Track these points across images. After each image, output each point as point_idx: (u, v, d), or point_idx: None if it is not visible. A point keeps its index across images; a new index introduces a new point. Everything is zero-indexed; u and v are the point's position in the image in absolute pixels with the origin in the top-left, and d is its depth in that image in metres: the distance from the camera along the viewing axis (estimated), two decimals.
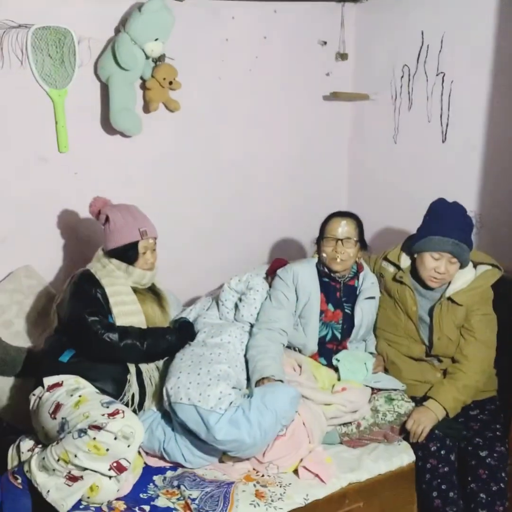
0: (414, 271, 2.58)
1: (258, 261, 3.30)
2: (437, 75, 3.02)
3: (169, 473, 2.25)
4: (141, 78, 2.89)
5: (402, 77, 3.17)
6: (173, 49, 2.87)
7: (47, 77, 2.74)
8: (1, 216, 2.73)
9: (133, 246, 2.41)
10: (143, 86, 2.91)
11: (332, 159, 3.52)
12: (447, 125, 3.03)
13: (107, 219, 2.41)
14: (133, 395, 2.32)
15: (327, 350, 2.61)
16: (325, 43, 3.33)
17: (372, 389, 2.52)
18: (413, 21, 3.10)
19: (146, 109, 2.95)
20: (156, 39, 2.78)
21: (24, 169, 2.77)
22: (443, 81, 3.00)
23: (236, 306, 2.68)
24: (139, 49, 2.76)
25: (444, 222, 2.46)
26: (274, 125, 3.32)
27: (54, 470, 2.03)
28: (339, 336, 2.61)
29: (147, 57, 2.82)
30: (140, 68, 2.82)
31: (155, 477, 2.23)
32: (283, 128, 3.34)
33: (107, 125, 2.88)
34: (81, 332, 2.30)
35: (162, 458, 2.29)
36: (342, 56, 3.33)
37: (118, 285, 2.40)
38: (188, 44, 2.98)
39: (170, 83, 2.89)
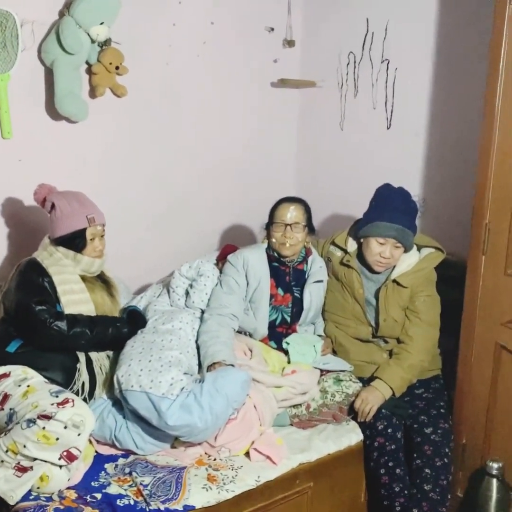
0: (361, 255, 2.63)
1: (209, 247, 3.31)
2: (382, 62, 3.06)
3: (121, 461, 2.24)
4: (87, 62, 2.83)
5: (348, 64, 3.20)
6: (119, 34, 2.82)
7: None
8: None
9: (81, 233, 2.37)
10: (89, 71, 2.86)
11: (281, 145, 3.54)
12: (391, 112, 3.08)
13: (52, 206, 2.37)
14: (83, 384, 2.30)
15: (277, 334, 2.64)
16: (273, 29, 3.34)
17: (321, 370, 2.57)
18: (358, 8, 3.12)
19: (93, 94, 2.89)
20: (102, 23, 2.73)
21: None
22: (387, 68, 3.05)
23: (187, 292, 2.68)
24: (84, 33, 2.71)
25: (389, 208, 2.51)
26: (223, 111, 3.31)
27: (2, 461, 2.00)
28: (288, 319, 2.65)
29: (92, 41, 2.77)
30: (86, 52, 2.77)
31: (106, 465, 2.21)
32: (232, 114, 3.34)
33: (52, 111, 2.82)
34: (29, 322, 2.26)
35: (113, 446, 2.28)
36: (289, 43, 3.34)
37: (66, 274, 2.37)
38: (134, 29, 2.93)
39: (117, 68, 2.85)
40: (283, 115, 3.49)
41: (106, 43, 2.83)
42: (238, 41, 3.27)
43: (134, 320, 2.52)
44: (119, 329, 2.41)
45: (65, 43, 2.67)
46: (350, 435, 2.45)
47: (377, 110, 3.13)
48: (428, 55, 2.90)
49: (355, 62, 3.17)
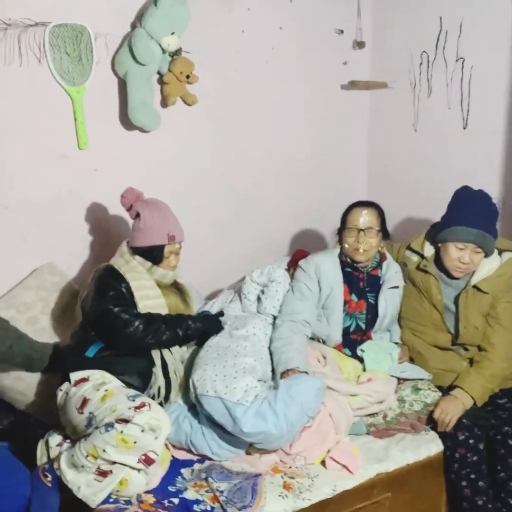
0: (438, 260, 2.56)
1: (278, 253, 3.29)
2: (456, 60, 2.98)
3: (196, 466, 2.26)
4: (158, 72, 2.88)
5: (420, 64, 3.14)
6: (189, 42, 2.86)
7: (65, 74, 2.75)
8: (23, 213, 2.75)
9: (159, 248, 2.41)
10: (161, 81, 2.91)
11: (351, 148, 3.49)
12: (468, 111, 2.99)
13: (137, 215, 2.40)
14: (159, 388, 2.34)
15: (352, 341, 2.60)
16: (342, 31, 3.30)
17: (398, 379, 2.51)
18: (431, 7, 3.06)
19: (164, 103, 2.94)
20: (173, 33, 2.77)
21: (45, 166, 2.78)
22: (462, 66, 2.97)
23: (259, 298, 2.68)
24: (155, 44, 2.76)
25: (468, 212, 2.42)
26: (292, 116, 3.30)
27: (83, 466, 2.04)
28: (363, 326, 2.60)
29: (163, 52, 2.81)
30: (157, 62, 2.82)
31: (182, 470, 2.23)
32: (301, 118, 3.32)
33: (126, 121, 2.88)
34: (109, 324, 2.30)
35: (189, 450, 2.30)
36: (359, 45, 3.30)
37: (142, 280, 2.41)
38: (204, 37, 2.96)
39: (187, 77, 2.88)
40: (353, 117, 3.44)
41: (177, 52, 2.87)
42: (307, 44, 3.25)
43: (208, 319, 2.53)
44: (192, 324, 2.41)
45: (138, 54, 2.73)
46: (429, 446, 2.38)
47: (452, 110, 3.04)
48: (505, 52, 2.80)
49: (428, 61, 3.09)
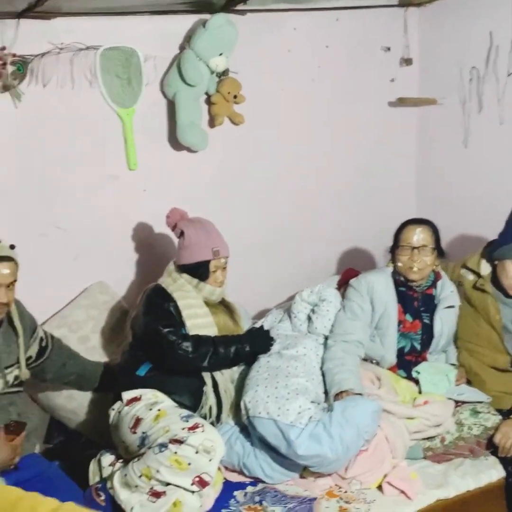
0: (495, 278, 2.49)
1: (324, 273, 3.24)
2: (508, 75, 2.92)
3: (249, 488, 2.23)
4: (206, 93, 2.91)
5: (470, 79, 3.09)
6: (236, 63, 2.88)
7: (116, 96, 2.79)
8: (74, 234, 2.79)
9: (205, 264, 2.41)
10: (208, 101, 2.93)
11: (399, 166, 3.45)
12: None
13: (182, 233, 2.42)
14: (210, 408, 2.32)
15: (406, 362, 2.54)
16: (389, 49, 3.29)
17: (456, 402, 2.45)
18: (480, 22, 3.01)
19: (211, 123, 2.96)
20: (221, 54, 2.79)
21: (96, 187, 2.82)
22: None
23: (309, 318, 2.64)
24: (204, 65, 2.79)
25: None
26: (339, 134, 3.28)
27: (136, 486, 2.03)
28: (418, 347, 2.54)
29: (211, 72, 2.84)
30: (205, 83, 2.84)
31: (235, 493, 2.21)
32: (348, 137, 3.30)
33: (174, 141, 2.91)
34: (157, 345, 2.30)
35: (241, 473, 2.27)
36: (407, 61, 3.27)
37: (189, 299, 2.41)
38: (251, 57, 2.98)
39: (235, 97, 2.90)
40: (401, 134, 3.40)
41: (225, 73, 2.89)
42: (353, 63, 3.24)
43: (257, 338, 2.50)
44: (241, 347, 2.39)
45: (187, 76, 2.76)
46: (490, 471, 2.30)
47: (504, 125, 2.98)
48: None
49: (478, 77, 3.05)
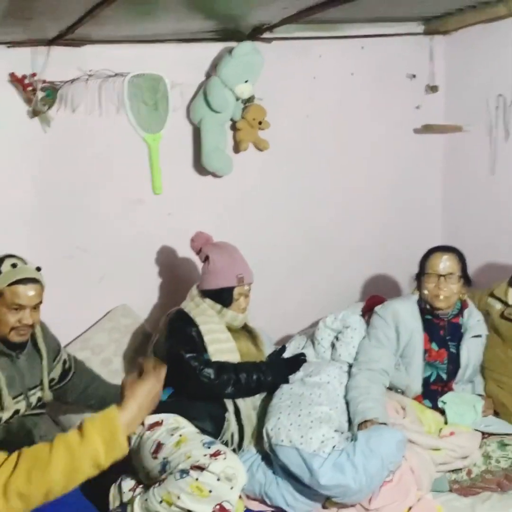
0: None
1: (349, 299, 3.22)
2: None
3: None
4: (231, 119, 2.93)
5: (496, 107, 3.07)
6: (261, 89, 2.91)
7: (142, 122, 2.84)
8: (99, 256, 2.82)
9: (229, 290, 2.41)
10: (233, 127, 2.96)
11: (425, 192, 3.43)
12: None
13: (207, 258, 2.43)
14: (232, 434, 2.29)
15: (432, 392, 2.49)
16: (414, 76, 3.29)
17: (483, 433, 2.38)
18: (506, 50, 2.99)
19: (236, 149, 2.99)
20: (246, 81, 2.82)
21: (122, 210, 2.86)
22: None
23: (333, 345, 2.62)
24: (229, 92, 2.82)
25: None
26: (364, 162, 3.28)
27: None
28: (444, 377, 2.49)
29: (237, 99, 2.87)
30: (231, 110, 2.88)
31: None
32: (374, 164, 3.30)
33: (199, 167, 2.94)
34: (180, 370, 2.29)
35: (263, 501, 2.23)
36: (432, 89, 3.27)
37: (212, 324, 2.40)
38: (276, 84, 3.01)
39: (260, 123, 2.93)
40: (427, 161, 3.39)
41: (250, 100, 2.92)
42: (379, 89, 3.25)
43: (278, 366, 2.49)
44: (263, 376, 2.38)
45: (212, 102, 2.79)
46: None
47: None
48: None
49: (504, 104, 3.03)
